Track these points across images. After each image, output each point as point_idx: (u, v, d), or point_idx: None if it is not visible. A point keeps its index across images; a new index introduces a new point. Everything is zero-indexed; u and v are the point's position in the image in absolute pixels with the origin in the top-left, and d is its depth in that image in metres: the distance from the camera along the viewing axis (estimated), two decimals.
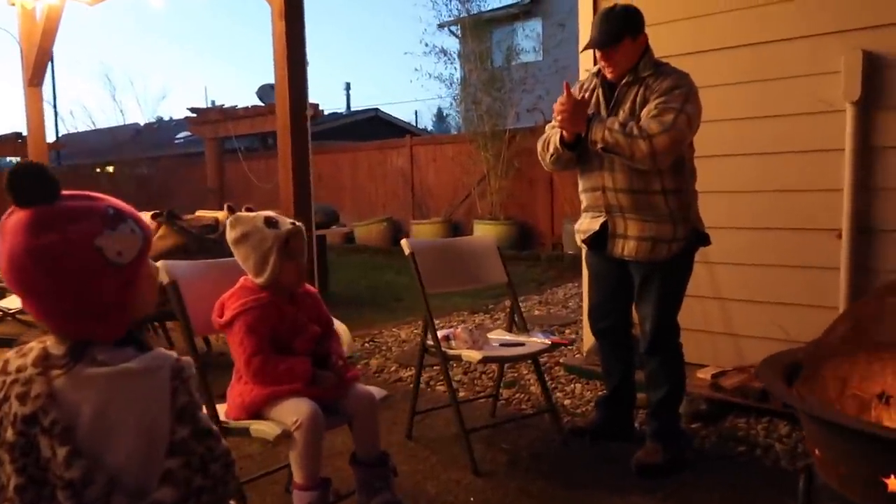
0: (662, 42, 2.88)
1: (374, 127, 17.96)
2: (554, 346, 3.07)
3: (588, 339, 3.89)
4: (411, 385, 3.37)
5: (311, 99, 7.85)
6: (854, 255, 3.21)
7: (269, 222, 2.18)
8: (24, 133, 7.37)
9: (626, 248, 2.69)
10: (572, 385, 3.81)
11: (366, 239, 11.28)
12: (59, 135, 17.82)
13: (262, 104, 13.77)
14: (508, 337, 3.17)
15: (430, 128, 26.19)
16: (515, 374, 4.00)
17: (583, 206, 2.85)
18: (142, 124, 16.93)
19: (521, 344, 3.03)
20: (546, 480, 2.70)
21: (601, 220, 2.74)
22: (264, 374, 2.10)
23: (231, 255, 2.25)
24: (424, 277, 3.01)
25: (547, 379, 3.49)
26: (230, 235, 2.20)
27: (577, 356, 4.18)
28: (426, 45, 14.94)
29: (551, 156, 2.78)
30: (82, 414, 1.06)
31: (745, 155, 3.52)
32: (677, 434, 2.81)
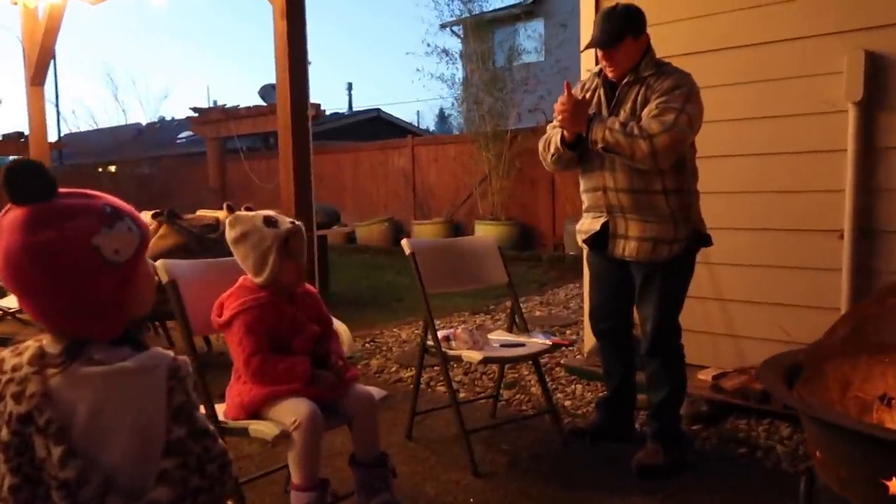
0: (664, 42, 2.87)
1: (376, 127, 17.95)
2: (555, 346, 3.07)
3: (589, 340, 3.88)
4: (412, 385, 3.36)
5: (314, 99, 7.86)
6: (856, 256, 3.20)
7: (269, 221, 2.17)
8: (27, 132, 7.37)
9: (626, 248, 2.69)
10: (573, 386, 3.80)
11: (367, 239, 11.28)
12: (62, 134, 17.85)
13: (264, 104, 13.77)
14: (509, 337, 3.16)
15: (432, 128, 26.17)
16: (516, 375, 3.99)
17: (584, 207, 2.85)
18: (144, 124, 16.95)
19: (522, 345, 3.02)
20: (546, 481, 2.69)
21: (602, 220, 2.73)
22: (263, 373, 2.09)
23: (231, 254, 2.24)
24: (425, 277, 3.00)
25: (547, 380, 3.48)
26: (229, 235, 2.20)
27: (577, 357, 4.17)
28: (428, 45, 14.93)
29: (552, 156, 2.77)
30: (78, 413, 1.05)
31: (747, 155, 3.51)
32: (678, 435, 2.80)
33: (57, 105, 19.11)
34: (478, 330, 3.12)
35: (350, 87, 38.66)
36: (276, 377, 2.09)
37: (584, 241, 2.86)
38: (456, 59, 11.54)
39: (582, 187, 2.83)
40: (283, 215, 2.28)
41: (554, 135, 2.75)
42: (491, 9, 12.59)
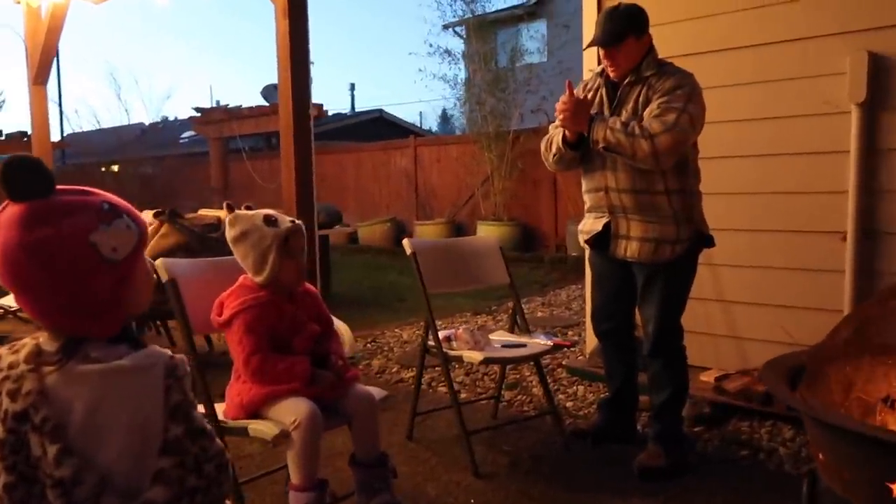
0: (665, 43, 2.86)
1: (378, 128, 17.96)
2: (556, 347, 3.05)
3: (591, 342, 3.87)
4: (413, 386, 3.36)
5: (316, 100, 7.85)
6: (859, 257, 3.18)
7: (269, 220, 2.17)
8: (30, 132, 7.38)
9: (628, 249, 2.68)
10: (574, 387, 3.79)
11: (369, 239, 11.28)
12: (65, 134, 17.86)
13: (267, 104, 13.77)
14: (510, 338, 3.15)
15: (434, 129, 26.20)
16: (517, 376, 3.98)
17: (586, 207, 2.84)
18: (147, 124, 16.96)
19: (523, 345, 3.01)
20: (547, 483, 2.68)
21: (604, 220, 2.72)
22: (263, 373, 2.08)
23: (232, 253, 2.24)
24: (426, 277, 2.99)
25: (549, 381, 3.47)
26: (229, 234, 2.19)
27: (579, 358, 4.16)
28: (430, 45, 14.92)
29: (554, 155, 2.77)
30: (74, 411, 1.04)
31: (748, 156, 3.50)
32: (680, 437, 2.79)
33: (60, 105, 19.10)
34: (479, 330, 3.11)
35: (353, 87, 38.78)
36: (276, 377, 2.08)
37: (586, 242, 2.85)
38: (458, 60, 11.55)
39: (584, 187, 2.82)
40: (284, 214, 2.27)
41: (556, 134, 2.75)
42: (493, 9, 12.60)
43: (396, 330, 5.30)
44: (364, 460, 2.23)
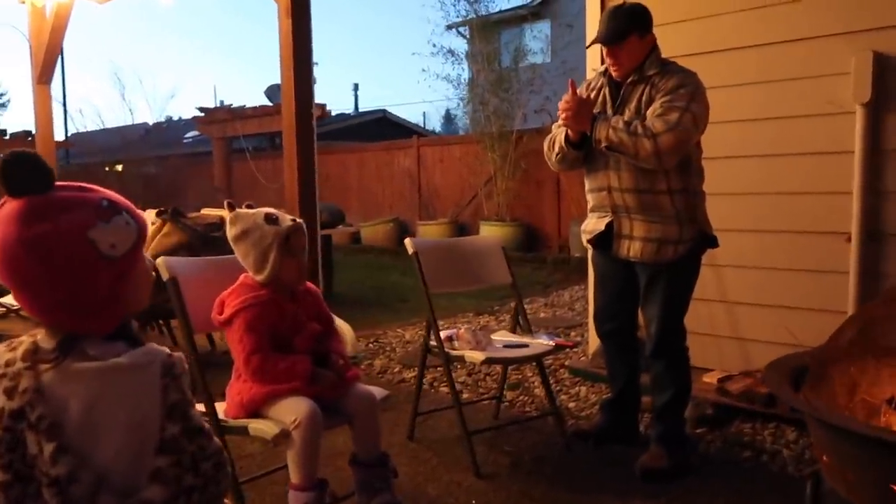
0: (669, 43, 2.84)
1: (381, 128, 17.96)
2: (558, 347, 3.04)
3: (593, 342, 3.86)
4: (415, 386, 3.35)
5: (320, 100, 7.86)
6: (863, 258, 3.17)
7: (270, 219, 2.16)
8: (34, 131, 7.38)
9: (631, 249, 2.66)
10: (577, 388, 3.78)
11: (372, 239, 11.28)
12: (69, 133, 17.90)
13: (270, 104, 13.79)
14: (512, 338, 3.14)
15: (438, 129, 26.20)
16: (520, 377, 3.97)
17: (589, 207, 2.83)
18: (150, 123, 16.99)
19: (526, 346, 3.00)
20: (549, 484, 2.67)
21: (607, 220, 2.71)
22: (263, 372, 2.08)
23: (234, 252, 2.23)
24: (428, 277, 2.99)
25: (551, 381, 3.46)
26: (230, 232, 2.19)
27: (582, 359, 4.15)
28: (434, 45, 14.93)
29: (557, 155, 2.76)
30: (70, 409, 1.04)
31: (753, 157, 3.48)
32: (682, 438, 2.78)
33: (64, 104, 19.18)
34: (481, 330, 3.11)
35: (356, 87, 38.81)
36: (277, 376, 2.08)
37: (589, 241, 2.84)
38: (462, 60, 11.57)
39: (587, 187, 2.81)
40: (285, 213, 2.27)
41: (559, 134, 2.74)
42: (497, 10, 12.60)
43: (399, 330, 5.29)
44: (365, 460, 2.22)
